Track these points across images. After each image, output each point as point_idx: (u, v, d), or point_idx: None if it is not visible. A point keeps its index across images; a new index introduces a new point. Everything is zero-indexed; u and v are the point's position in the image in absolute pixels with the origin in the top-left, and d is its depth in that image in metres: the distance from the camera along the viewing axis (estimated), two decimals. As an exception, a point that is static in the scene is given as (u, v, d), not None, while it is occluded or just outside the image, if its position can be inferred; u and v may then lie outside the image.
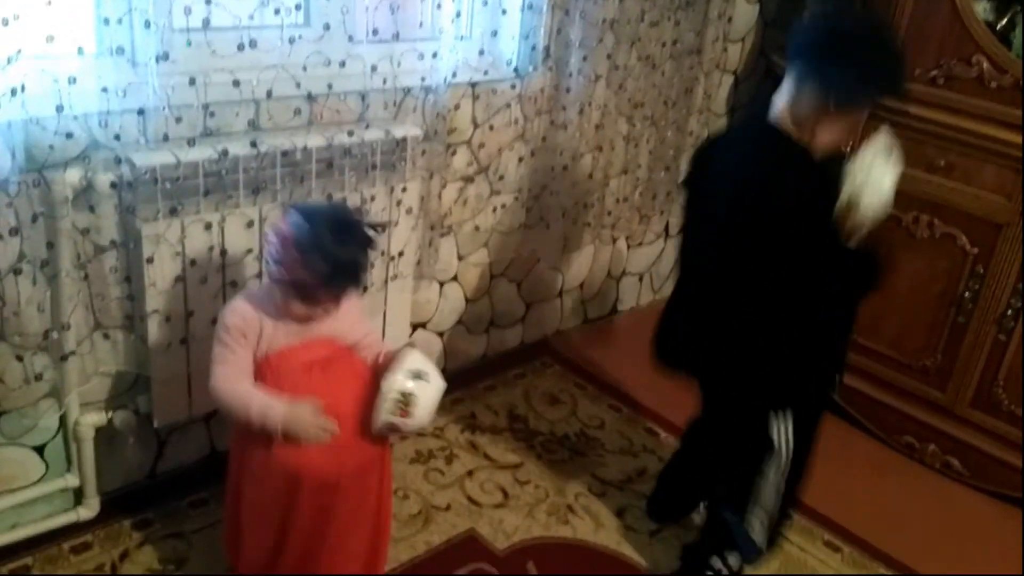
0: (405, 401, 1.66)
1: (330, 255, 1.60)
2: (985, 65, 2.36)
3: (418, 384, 1.68)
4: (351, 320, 1.80)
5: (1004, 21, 2.49)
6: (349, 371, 1.77)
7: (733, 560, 2.05)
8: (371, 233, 1.68)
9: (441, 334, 2.72)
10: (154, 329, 1.91)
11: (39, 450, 1.97)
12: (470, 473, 2.39)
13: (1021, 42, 2.46)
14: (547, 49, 2.51)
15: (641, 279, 3.38)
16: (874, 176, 1.71)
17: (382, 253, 2.24)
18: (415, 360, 1.72)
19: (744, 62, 3.26)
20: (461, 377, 2.77)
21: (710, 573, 2.06)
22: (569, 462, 2.49)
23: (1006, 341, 2.44)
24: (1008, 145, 2.34)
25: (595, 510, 2.31)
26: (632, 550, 2.20)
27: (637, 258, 3.31)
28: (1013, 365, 2.45)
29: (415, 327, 2.61)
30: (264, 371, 1.71)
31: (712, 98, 3.12)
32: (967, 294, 2.48)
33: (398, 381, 1.67)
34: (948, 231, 2.48)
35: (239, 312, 1.70)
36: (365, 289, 1.76)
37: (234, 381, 1.69)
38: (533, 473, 2.42)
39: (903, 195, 2.49)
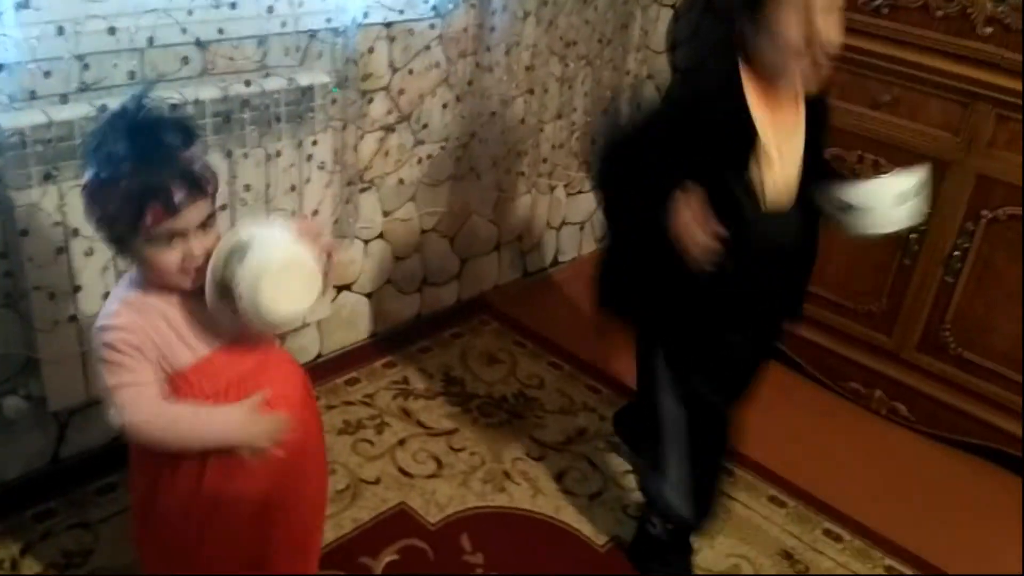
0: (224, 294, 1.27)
1: (137, 148, 1.22)
2: (931, -7, 2.24)
3: (233, 268, 1.26)
4: None
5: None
6: (286, 382, 1.45)
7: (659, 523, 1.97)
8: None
9: (369, 295, 2.57)
10: (38, 307, 1.74)
11: (-77, 442, 1.81)
12: (402, 442, 2.27)
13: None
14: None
15: (582, 228, 3.25)
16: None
17: (293, 213, 2.07)
18: (241, 234, 1.29)
19: (682, -4, 3.10)
20: (394, 339, 2.65)
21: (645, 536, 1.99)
22: (507, 425, 2.38)
23: (953, 283, 2.36)
24: (954, 78, 2.23)
25: (533, 475, 2.21)
26: (571, 516, 2.11)
27: (577, 206, 3.17)
28: (960, 308, 2.37)
29: (338, 289, 2.46)
30: (179, 395, 1.34)
31: (650, 34, 2.97)
32: (912, 235, 2.39)
33: (211, 268, 1.28)
34: (893, 170, 2.38)
35: (122, 322, 1.29)
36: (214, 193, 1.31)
37: (160, 405, 1.31)
38: (468, 439, 2.31)
39: (847, 133, 2.43)
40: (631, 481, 2.23)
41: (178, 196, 1.23)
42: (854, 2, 2.34)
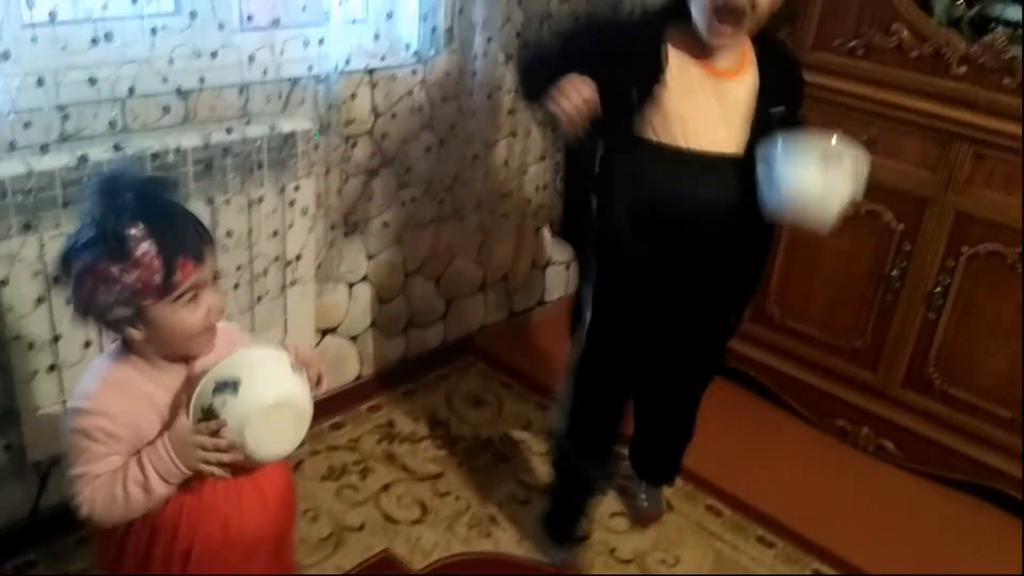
0: (208, 420, 1.22)
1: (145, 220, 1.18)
2: (905, 34, 2.27)
3: (224, 398, 1.22)
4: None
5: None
6: (270, 476, 1.40)
7: None
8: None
9: (354, 338, 2.56)
10: (18, 357, 1.74)
11: (-98, 494, 1.79)
12: (386, 487, 2.25)
13: (943, 9, 2.37)
14: (450, 31, 2.35)
15: (568, 267, 3.25)
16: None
17: (276, 258, 2.08)
18: (234, 364, 1.24)
19: (663, 37, 3.13)
20: (379, 382, 2.64)
21: None
22: (492, 468, 2.37)
23: (935, 319, 2.37)
24: (931, 117, 2.25)
25: (520, 519, 2.19)
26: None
27: (562, 246, 3.18)
28: (943, 344, 2.38)
29: (323, 333, 2.45)
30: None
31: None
32: (894, 272, 2.40)
33: (198, 393, 1.23)
34: (873, 208, 2.40)
35: (102, 406, 1.24)
36: (201, 258, 1.25)
37: (114, 490, 1.24)
38: (454, 483, 2.29)
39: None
40: (620, 524, 2.22)
41: (200, 245, 1.23)
42: (830, 44, 2.37)
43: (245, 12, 1.88)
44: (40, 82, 1.63)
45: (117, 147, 1.73)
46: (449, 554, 2.07)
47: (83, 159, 1.68)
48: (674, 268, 1.76)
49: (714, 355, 2.04)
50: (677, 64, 1.68)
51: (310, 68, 2.05)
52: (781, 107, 1.69)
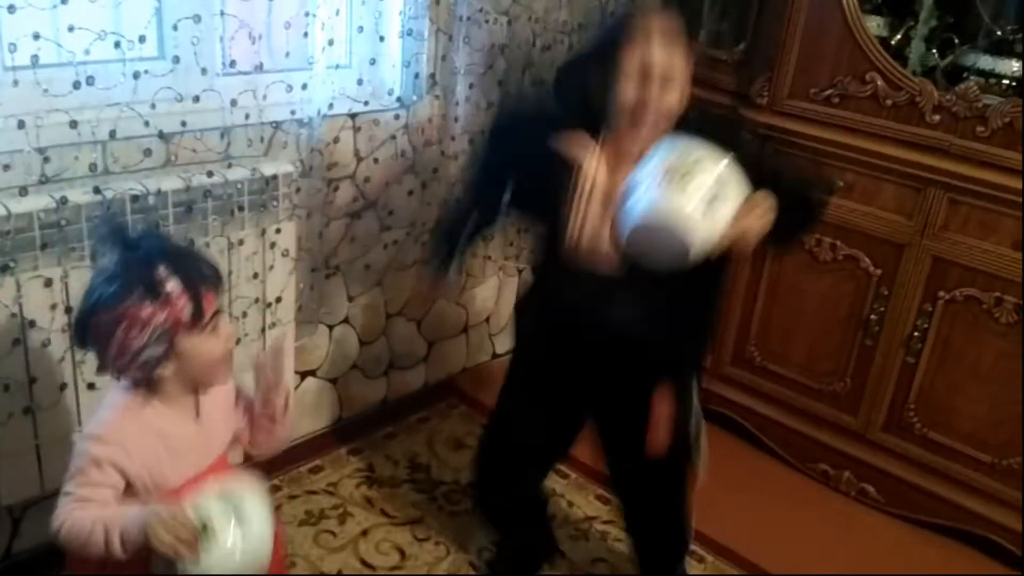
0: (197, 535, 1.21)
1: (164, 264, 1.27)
2: (880, 83, 2.31)
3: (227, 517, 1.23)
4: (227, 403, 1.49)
5: (898, 36, 2.46)
6: None
7: None
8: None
9: (334, 381, 2.55)
10: (-8, 399, 1.72)
11: None
12: (365, 533, 2.22)
13: (917, 58, 2.42)
14: (432, 77, 2.38)
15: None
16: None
17: (256, 300, 2.07)
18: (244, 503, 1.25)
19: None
20: (359, 426, 2.62)
21: None
22: (473, 513, 2.34)
23: (914, 363, 2.38)
24: (906, 164, 2.28)
25: (500, 567, 2.17)
26: (538, 607, 2.07)
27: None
28: (923, 388, 2.38)
29: (303, 375, 2.44)
30: None
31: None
32: (873, 316, 2.42)
33: (205, 505, 1.23)
34: (851, 252, 2.42)
35: (117, 437, 1.29)
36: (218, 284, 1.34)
37: (89, 520, 1.26)
38: (434, 528, 2.27)
39: (805, 217, 2.47)
40: (602, 570, 2.19)
41: (214, 275, 1.32)
42: (806, 92, 2.41)
43: (228, 57, 1.90)
44: (20, 125, 1.64)
45: (97, 189, 1.73)
46: (427, 601, 2.05)
47: (63, 201, 1.68)
48: (573, 376, 1.80)
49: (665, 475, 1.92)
50: (591, 171, 1.65)
51: (293, 112, 2.07)
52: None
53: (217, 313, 1.32)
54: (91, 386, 1.82)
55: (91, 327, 1.28)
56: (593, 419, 1.90)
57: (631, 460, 1.86)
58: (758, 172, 1.55)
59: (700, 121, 1.68)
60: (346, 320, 2.51)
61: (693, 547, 2.28)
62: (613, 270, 1.65)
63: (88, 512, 1.27)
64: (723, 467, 2.63)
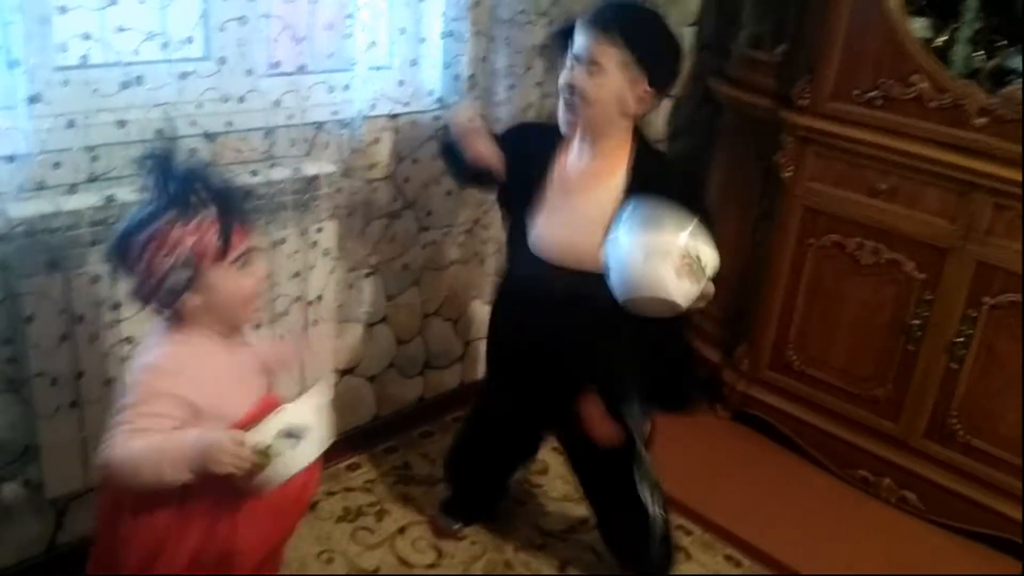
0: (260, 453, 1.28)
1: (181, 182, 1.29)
2: (924, 85, 2.28)
3: (287, 443, 1.29)
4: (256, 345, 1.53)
5: (943, 38, 2.43)
6: None
7: None
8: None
9: (371, 379, 2.57)
10: (40, 393, 1.75)
11: (-79, 527, 1.80)
12: (402, 530, 2.23)
13: (961, 60, 2.39)
14: (472, 78, 2.39)
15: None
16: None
17: (298, 298, 2.09)
18: (296, 414, 1.32)
19: (682, 87, 3.16)
20: (395, 424, 2.64)
21: None
22: (508, 513, 2.35)
23: (957, 369, 2.34)
24: (950, 167, 2.25)
25: (535, 565, 2.17)
26: (573, 608, 2.07)
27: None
28: (966, 394, 2.35)
29: (342, 373, 2.46)
30: None
31: (650, 125, 3.02)
32: (916, 321, 2.39)
33: (263, 429, 1.29)
34: (893, 257, 2.39)
35: (172, 365, 1.31)
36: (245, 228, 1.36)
37: (141, 445, 1.28)
38: (470, 527, 2.27)
39: (845, 221, 2.45)
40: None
41: (246, 214, 1.33)
42: (848, 94, 2.38)
43: (272, 58, 1.92)
44: (70, 124, 1.67)
45: (144, 188, 1.75)
46: (463, 600, 2.06)
47: (110, 199, 1.71)
48: (538, 369, 1.87)
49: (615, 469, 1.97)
50: (553, 169, 1.80)
51: (335, 113, 2.09)
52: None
53: (249, 251, 1.32)
54: (136, 381, 1.85)
55: (126, 247, 1.31)
56: (550, 407, 1.96)
57: (582, 453, 2.01)
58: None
59: (650, 155, 1.80)
60: (384, 319, 2.53)
61: (729, 551, 2.28)
62: (566, 263, 1.75)
63: (143, 440, 1.27)
64: (760, 471, 2.64)
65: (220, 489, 1.32)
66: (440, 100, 2.36)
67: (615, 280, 1.56)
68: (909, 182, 2.34)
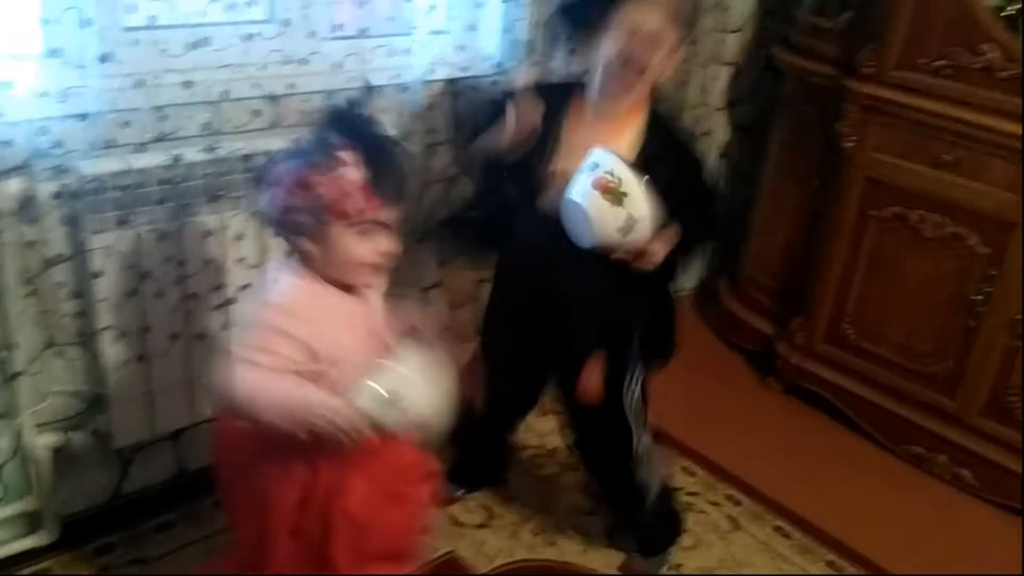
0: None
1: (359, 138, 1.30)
2: (994, 54, 2.22)
3: (386, 411, 1.28)
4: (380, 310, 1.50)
5: (1015, 7, 2.35)
6: None
7: None
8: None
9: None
10: (108, 346, 1.81)
11: (-6, 473, 1.88)
12: (453, 491, 2.28)
13: (1033, 29, 2.32)
14: (531, 43, 2.38)
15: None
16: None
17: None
18: (410, 381, 1.30)
19: (743, 53, 3.12)
20: (448, 388, 2.66)
21: None
22: (558, 478, 2.37)
23: (1019, 347, 2.30)
24: (1017, 139, 2.19)
25: (584, 529, 2.19)
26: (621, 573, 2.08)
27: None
28: (1027, 372, 2.31)
29: (396, 337, 2.49)
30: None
31: (708, 92, 2.99)
32: (978, 297, 2.34)
33: (371, 392, 1.28)
34: (957, 230, 2.35)
35: (297, 307, 1.32)
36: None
37: (272, 380, 1.29)
38: (519, 490, 2.30)
39: (908, 193, 2.41)
40: (685, 540, 2.19)
41: (395, 191, 1.32)
42: (915, 62, 2.33)
43: (335, 21, 1.94)
44: (139, 84, 1.71)
45: (209, 148, 1.80)
46: (513, 560, 2.08)
47: (177, 159, 1.76)
48: (537, 318, 1.89)
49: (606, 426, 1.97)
50: (572, 118, 1.78)
51: (394, 76, 2.10)
52: (647, 176, 1.66)
53: (376, 223, 1.31)
54: (200, 337, 1.91)
55: (270, 171, 1.35)
56: (552, 357, 1.98)
57: (576, 407, 1.97)
58: (685, 182, 1.75)
59: (662, 116, 1.82)
60: (438, 284, 2.55)
61: (779, 523, 2.28)
62: None
63: (270, 378, 1.29)
64: (813, 445, 2.62)
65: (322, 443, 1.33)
66: (498, 65, 2.36)
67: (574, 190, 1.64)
68: (975, 154, 2.28)
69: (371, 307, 1.44)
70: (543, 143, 1.77)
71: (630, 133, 1.77)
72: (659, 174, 1.66)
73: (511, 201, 1.86)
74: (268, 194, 1.34)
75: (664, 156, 1.74)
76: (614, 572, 2.09)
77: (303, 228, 1.32)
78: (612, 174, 1.60)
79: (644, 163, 1.69)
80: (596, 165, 1.62)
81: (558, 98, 1.80)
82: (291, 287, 1.36)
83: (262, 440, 1.37)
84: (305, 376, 1.32)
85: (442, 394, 1.33)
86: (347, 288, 1.38)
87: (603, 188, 1.60)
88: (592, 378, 1.85)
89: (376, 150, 1.31)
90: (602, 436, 1.99)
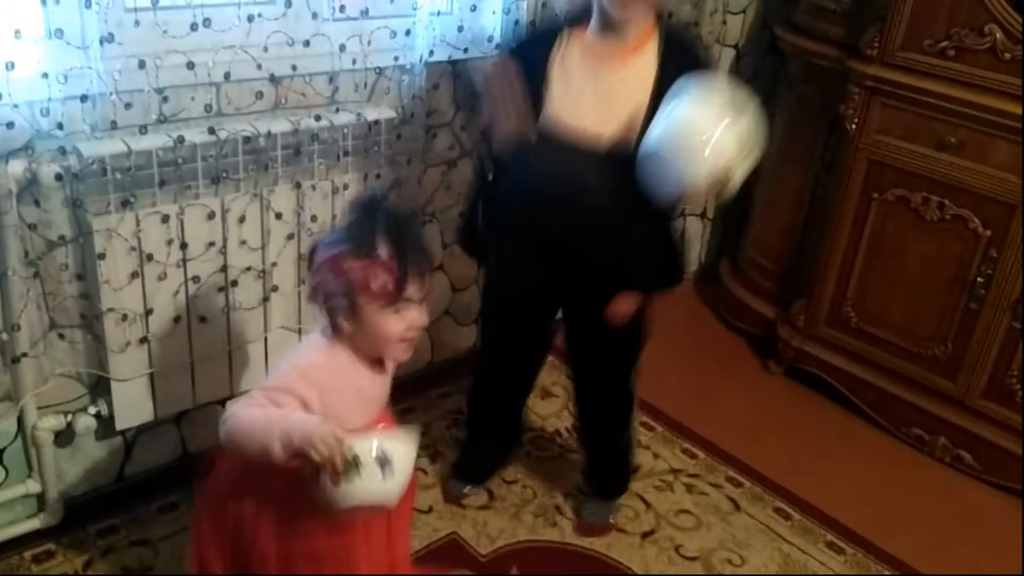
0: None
1: (386, 230, 1.38)
2: (999, 35, 2.21)
3: (375, 464, 1.30)
4: None
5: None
6: None
7: None
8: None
9: (427, 326, 2.60)
10: (111, 328, 1.81)
11: (-2, 455, 1.88)
12: (455, 472, 2.28)
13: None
14: (532, 23, 2.37)
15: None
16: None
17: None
18: (394, 444, 1.34)
19: (745, 35, 3.10)
20: (449, 370, 2.67)
21: None
22: (559, 459, 2.38)
23: (1021, 329, 2.30)
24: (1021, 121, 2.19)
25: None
26: (623, 553, 2.09)
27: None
28: (1028, 354, 2.31)
29: (398, 319, 2.49)
30: None
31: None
32: (979, 279, 2.34)
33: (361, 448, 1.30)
34: (959, 213, 2.34)
35: (321, 373, 1.40)
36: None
37: (257, 415, 1.35)
38: (520, 472, 2.31)
39: (911, 175, 2.40)
40: (686, 521, 2.21)
41: (421, 268, 1.40)
42: (920, 44, 2.32)
43: (337, 2, 1.93)
44: (141, 65, 1.70)
45: (211, 130, 1.79)
46: (515, 541, 2.09)
47: (179, 140, 1.75)
48: (546, 255, 1.86)
49: (615, 360, 2.02)
50: (563, 56, 1.75)
51: (396, 58, 2.09)
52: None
53: (408, 300, 1.38)
54: (203, 319, 1.91)
55: (313, 254, 1.44)
56: (562, 299, 1.99)
57: (589, 337, 1.99)
58: None
59: (676, 34, 1.80)
60: (440, 267, 2.55)
61: (779, 504, 2.29)
62: (596, 146, 1.72)
63: (258, 411, 1.35)
64: (813, 427, 2.63)
65: (297, 492, 1.38)
66: (499, 47, 2.35)
67: (669, 145, 1.59)
68: (979, 136, 2.28)
69: (388, 377, 1.53)
70: (535, 89, 1.75)
71: (641, 65, 1.73)
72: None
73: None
74: (310, 276, 1.44)
75: (685, 70, 1.70)
76: (611, 555, 2.10)
77: (338, 308, 1.39)
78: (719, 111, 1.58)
79: (664, 85, 1.67)
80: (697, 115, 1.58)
81: (539, 44, 1.79)
82: (316, 353, 1.44)
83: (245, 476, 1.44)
84: None
85: (406, 476, 1.35)
86: (376, 361, 1.46)
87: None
88: (626, 303, 1.85)
89: (403, 234, 1.40)
90: (608, 376, 2.03)
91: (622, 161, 1.68)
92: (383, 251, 1.36)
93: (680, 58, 1.73)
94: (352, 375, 1.44)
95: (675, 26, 1.79)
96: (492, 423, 2.25)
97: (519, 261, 1.92)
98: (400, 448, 1.34)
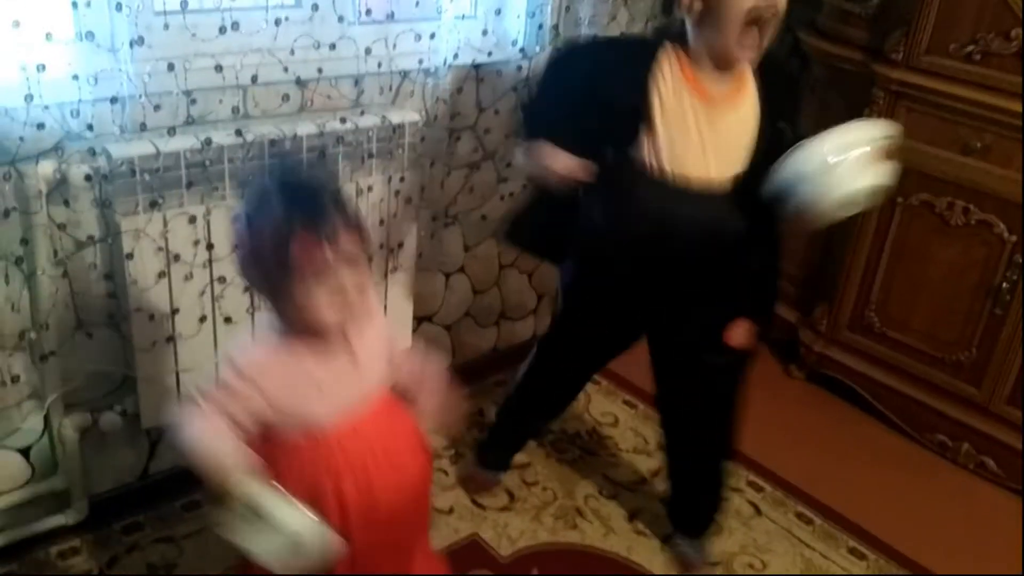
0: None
1: (288, 200, 1.25)
2: (1026, 39, 2.20)
3: (247, 514, 1.24)
4: (379, 329, 1.45)
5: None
6: (410, 454, 1.48)
7: None
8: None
9: (448, 327, 2.61)
10: (137, 328, 1.83)
11: (24, 452, 1.89)
12: (476, 474, 2.29)
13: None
14: (556, 28, 2.38)
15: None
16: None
17: (381, 246, 2.14)
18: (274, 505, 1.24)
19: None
20: (470, 372, 2.67)
21: None
22: (579, 462, 2.38)
23: (1046, 335, 2.29)
24: (1050, 125, 2.18)
25: (605, 513, 2.21)
26: (643, 556, 2.09)
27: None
28: (1054, 361, 2.29)
29: (420, 320, 2.51)
30: (330, 460, 1.35)
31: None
32: (1004, 285, 2.32)
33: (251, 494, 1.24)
34: (984, 218, 2.33)
35: (255, 363, 1.31)
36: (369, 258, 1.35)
37: (207, 433, 1.28)
38: (541, 474, 2.32)
39: (936, 179, 2.39)
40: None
41: (335, 225, 1.24)
42: (945, 48, 2.31)
43: (363, 5, 1.94)
44: (170, 67, 1.72)
45: (239, 132, 1.81)
46: (535, 543, 2.10)
47: (207, 142, 1.77)
48: (649, 287, 1.83)
49: (719, 389, 1.95)
50: (670, 88, 1.67)
51: (420, 62, 2.10)
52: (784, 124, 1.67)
53: (336, 262, 1.24)
54: (228, 319, 1.92)
55: (234, 234, 1.33)
56: (652, 331, 1.96)
57: (684, 374, 1.95)
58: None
59: (777, 67, 1.76)
60: (462, 269, 2.56)
61: (801, 509, 2.28)
62: (718, 188, 1.69)
63: (209, 432, 1.28)
64: (835, 432, 2.62)
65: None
66: (523, 50, 2.36)
67: (808, 186, 1.56)
68: (1005, 140, 2.26)
69: (364, 339, 1.38)
70: (626, 107, 1.69)
71: (750, 101, 1.69)
72: (783, 118, 1.69)
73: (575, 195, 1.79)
74: (236, 255, 1.33)
75: (783, 100, 1.72)
76: (631, 558, 2.09)
77: (261, 291, 1.31)
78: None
79: (772, 115, 1.67)
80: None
81: (636, 59, 1.70)
82: (255, 349, 1.35)
83: None
84: (267, 425, 1.33)
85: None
86: (320, 337, 1.32)
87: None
88: (745, 328, 1.83)
89: (305, 196, 1.26)
90: (711, 404, 1.96)
91: (744, 194, 1.67)
92: (285, 220, 1.22)
93: (776, 80, 1.71)
94: (308, 366, 1.32)
95: (768, 58, 1.73)
96: (527, 427, 2.29)
97: (611, 295, 1.87)
98: (286, 513, 1.23)
